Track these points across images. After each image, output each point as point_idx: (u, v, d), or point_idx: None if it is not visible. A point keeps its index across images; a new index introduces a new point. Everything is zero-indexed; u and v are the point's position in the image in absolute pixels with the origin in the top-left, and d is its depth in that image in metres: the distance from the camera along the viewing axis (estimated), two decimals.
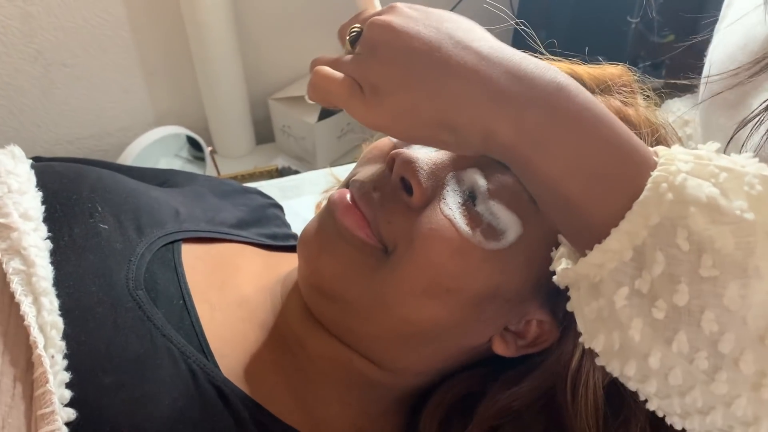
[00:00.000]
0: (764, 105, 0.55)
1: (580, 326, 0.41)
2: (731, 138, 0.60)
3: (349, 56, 0.43)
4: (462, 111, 0.39)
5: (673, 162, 0.36)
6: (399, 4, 0.43)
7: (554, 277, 0.43)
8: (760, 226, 0.34)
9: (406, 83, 0.40)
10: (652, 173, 0.36)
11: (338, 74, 0.42)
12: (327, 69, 0.43)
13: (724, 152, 0.61)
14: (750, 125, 0.57)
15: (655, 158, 0.38)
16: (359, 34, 0.44)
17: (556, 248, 0.44)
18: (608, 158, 0.37)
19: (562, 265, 0.42)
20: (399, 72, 0.40)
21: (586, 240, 0.38)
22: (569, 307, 0.42)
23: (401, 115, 0.40)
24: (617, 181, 0.37)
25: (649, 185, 0.36)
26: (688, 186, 0.35)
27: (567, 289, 0.42)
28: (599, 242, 0.37)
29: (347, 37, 0.45)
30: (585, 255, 0.38)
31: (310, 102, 0.45)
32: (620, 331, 0.37)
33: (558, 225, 0.42)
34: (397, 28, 0.41)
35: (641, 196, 0.36)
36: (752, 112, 0.56)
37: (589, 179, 0.37)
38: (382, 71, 0.40)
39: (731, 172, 0.36)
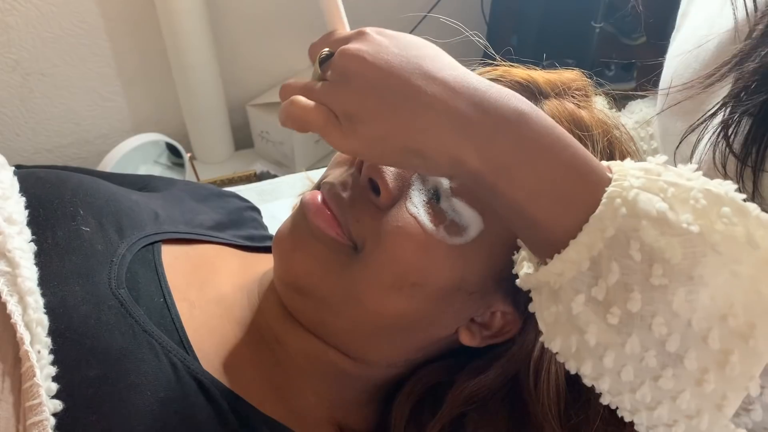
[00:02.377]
0: (710, 112, 0.58)
1: (541, 327, 0.43)
2: (680, 142, 0.63)
3: (321, 83, 0.44)
4: (430, 141, 0.41)
5: (625, 177, 0.39)
6: (368, 30, 0.45)
7: (517, 281, 0.45)
8: (705, 237, 0.37)
9: (379, 114, 0.41)
10: (606, 189, 0.39)
11: (312, 103, 0.44)
12: (302, 99, 0.44)
13: (674, 152, 0.65)
14: (699, 129, 0.60)
15: (609, 174, 0.40)
16: (329, 56, 0.46)
17: (517, 252, 0.47)
18: (567, 179, 0.40)
19: (524, 270, 0.45)
20: (371, 103, 0.41)
21: (546, 250, 0.41)
22: (531, 308, 0.44)
23: (374, 143, 0.42)
24: (575, 199, 0.40)
25: (604, 200, 0.38)
26: (640, 201, 0.38)
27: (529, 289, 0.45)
28: (559, 252, 0.40)
29: (317, 59, 0.46)
30: (546, 263, 0.41)
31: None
32: (577, 335, 0.40)
33: (520, 236, 0.44)
34: (368, 60, 0.42)
35: (597, 211, 0.38)
36: (698, 119, 0.59)
37: (550, 200, 0.40)
38: (355, 101, 0.42)
39: (678, 187, 0.39)
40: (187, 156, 1.39)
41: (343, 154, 0.58)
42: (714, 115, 0.57)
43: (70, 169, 0.71)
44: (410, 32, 0.46)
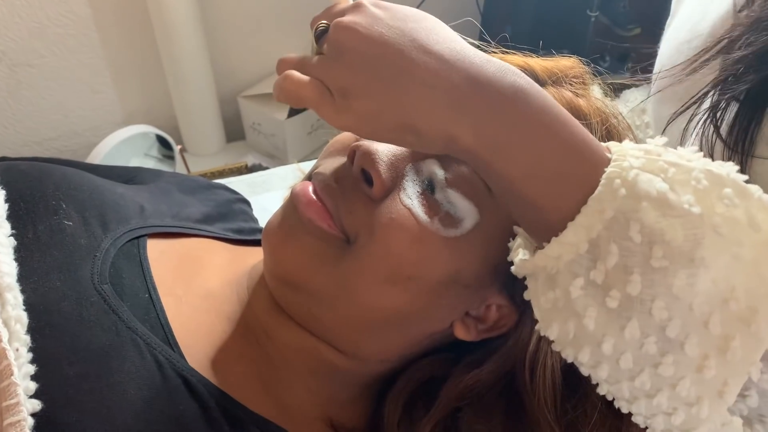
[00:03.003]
0: (697, 96, 0.57)
1: (537, 315, 0.42)
2: (666, 126, 0.62)
3: (316, 57, 0.44)
4: (423, 117, 0.40)
5: (625, 158, 0.38)
6: (365, 2, 0.44)
7: (512, 268, 0.44)
8: (706, 218, 0.36)
9: (371, 89, 0.40)
10: (606, 169, 0.38)
11: (306, 78, 0.43)
12: (296, 74, 0.43)
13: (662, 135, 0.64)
14: (687, 114, 0.60)
15: (608, 154, 0.39)
16: (325, 30, 0.44)
17: (513, 239, 0.46)
18: (565, 159, 0.39)
19: (520, 256, 0.44)
20: (364, 78, 0.41)
21: (544, 233, 0.40)
22: (526, 296, 0.43)
23: (367, 119, 0.41)
24: (574, 179, 0.39)
25: (603, 181, 0.37)
26: (640, 181, 0.37)
27: (524, 277, 0.44)
28: (556, 235, 0.39)
29: (313, 33, 0.45)
30: (543, 247, 0.40)
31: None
32: (575, 320, 0.39)
33: (516, 218, 0.43)
34: (362, 33, 0.41)
35: (596, 192, 0.37)
36: (685, 103, 0.58)
37: (547, 180, 0.39)
38: (348, 77, 0.41)
39: (679, 168, 0.38)
40: (177, 148, 1.38)
41: (335, 145, 0.57)
42: (702, 100, 0.57)
43: (54, 162, 0.70)
44: None
